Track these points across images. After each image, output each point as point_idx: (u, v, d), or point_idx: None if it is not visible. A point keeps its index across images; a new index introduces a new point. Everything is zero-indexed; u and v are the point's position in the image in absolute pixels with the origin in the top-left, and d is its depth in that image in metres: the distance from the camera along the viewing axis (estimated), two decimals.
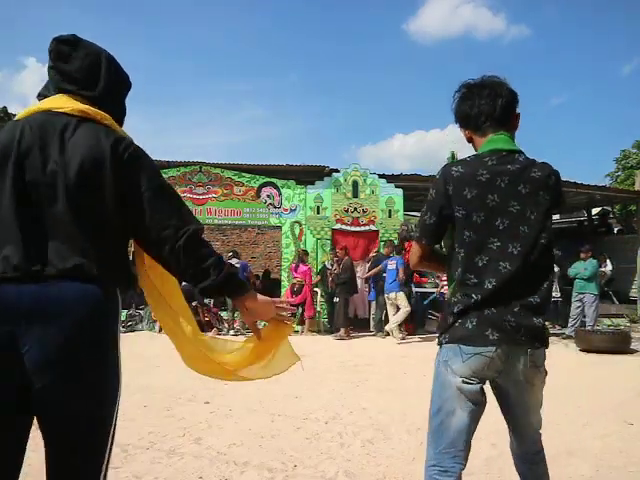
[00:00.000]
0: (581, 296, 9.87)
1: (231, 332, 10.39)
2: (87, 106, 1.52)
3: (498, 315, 1.72)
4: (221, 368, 1.81)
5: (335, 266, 10.37)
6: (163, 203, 1.51)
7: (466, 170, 1.78)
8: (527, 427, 2.02)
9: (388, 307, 9.91)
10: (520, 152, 1.84)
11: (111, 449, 1.49)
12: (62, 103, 1.51)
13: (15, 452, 1.41)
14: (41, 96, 1.59)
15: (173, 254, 1.48)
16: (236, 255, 11.42)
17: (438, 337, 1.90)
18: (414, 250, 1.95)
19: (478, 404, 1.79)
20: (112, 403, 1.51)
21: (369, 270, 11.03)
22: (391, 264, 9.82)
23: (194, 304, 10.28)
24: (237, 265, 10.86)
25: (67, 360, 1.37)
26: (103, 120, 1.53)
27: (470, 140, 1.96)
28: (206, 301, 10.70)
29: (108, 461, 1.48)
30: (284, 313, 1.90)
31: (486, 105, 1.85)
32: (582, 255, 10.00)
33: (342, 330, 9.97)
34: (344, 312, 10.12)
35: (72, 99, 1.53)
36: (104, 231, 1.48)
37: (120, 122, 1.66)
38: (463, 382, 1.75)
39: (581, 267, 9.91)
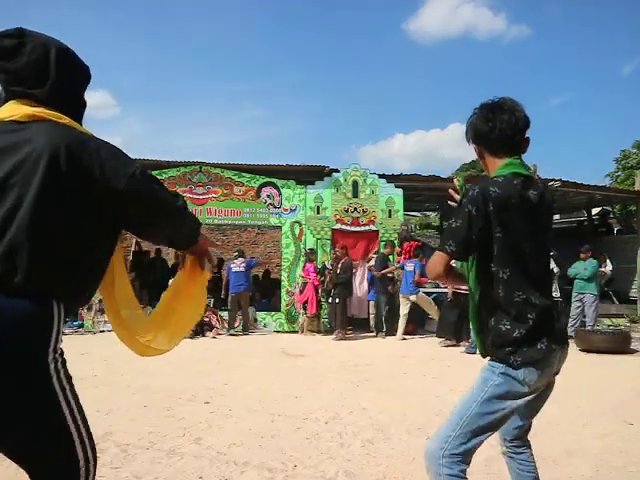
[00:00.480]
0: (581, 296, 9.87)
1: (231, 331, 10.40)
2: (38, 109, 1.44)
3: (557, 327, 1.92)
4: (139, 344, 1.81)
5: (335, 265, 10.35)
6: (148, 198, 1.50)
7: (502, 192, 1.84)
8: (532, 418, 2.17)
9: (401, 307, 9.90)
10: (533, 178, 1.98)
11: (90, 465, 1.44)
12: (11, 111, 1.44)
13: None
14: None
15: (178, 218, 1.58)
16: (242, 255, 11.45)
17: (503, 357, 1.88)
18: (438, 260, 1.90)
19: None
20: (59, 431, 1.38)
21: (369, 269, 11.04)
22: (409, 266, 9.92)
23: None
24: (242, 264, 10.94)
25: None
26: (58, 120, 1.45)
27: (481, 157, 2.06)
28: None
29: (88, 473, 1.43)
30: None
31: (506, 130, 1.93)
32: (582, 255, 10.00)
33: (339, 331, 9.93)
34: (342, 313, 10.10)
35: (20, 104, 1.45)
36: (59, 238, 1.38)
37: (79, 117, 1.57)
38: (531, 396, 1.89)
39: (581, 267, 9.91)
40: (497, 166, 1.97)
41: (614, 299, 13.28)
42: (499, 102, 1.97)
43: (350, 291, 10.42)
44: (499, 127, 1.93)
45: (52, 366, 1.36)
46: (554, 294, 10.39)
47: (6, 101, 1.49)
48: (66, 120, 1.47)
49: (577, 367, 7.26)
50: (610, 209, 16.83)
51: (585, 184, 12.51)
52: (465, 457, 1.87)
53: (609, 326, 10.53)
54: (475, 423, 1.86)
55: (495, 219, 1.82)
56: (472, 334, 7.94)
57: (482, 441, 1.90)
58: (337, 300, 10.09)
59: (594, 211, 16.71)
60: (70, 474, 1.39)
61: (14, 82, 1.47)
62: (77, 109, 1.59)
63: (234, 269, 10.91)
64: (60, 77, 1.49)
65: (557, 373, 2.01)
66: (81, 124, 1.58)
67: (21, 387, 1.30)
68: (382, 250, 11.14)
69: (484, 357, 2.02)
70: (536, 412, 2.12)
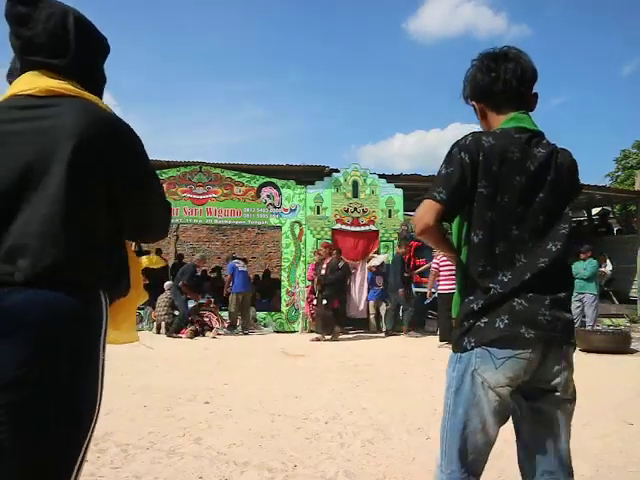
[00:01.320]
0: (581, 296, 9.88)
1: (235, 331, 10.40)
2: (55, 82, 1.33)
3: (531, 310, 1.53)
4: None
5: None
6: (146, 199, 1.45)
7: (497, 143, 1.59)
8: (557, 442, 1.63)
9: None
10: (544, 135, 1.69)
11: (80, 467, 1.33)
12: (27, 84, 1.32)
13: None
14: (10, 73, 1.44)
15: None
16: (231, 259, 11.54)
17: (456, 341, 1.64)
18: (427, 209, 1.59)
19: (508, 414, 1.64)
20: (77, 440, 1.29)
21: (369, 269, 11.04)
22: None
23: (194, 305, 10.31)
24: (244, 265, 10.97)
25: (26, 381, 1.19)
26: (75, 94, 1.34)
27: (483, 116, 1.78)
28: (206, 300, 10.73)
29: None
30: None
31: (511, 81, 1.67)
32: (582, 255, 10.01)
33: (331, 332, 9.77)
34: (335, 314, 9.94)
35: (37, 76, 1.33)
36: (90, 226, 1.31)
37: (97, 90, 1.46)
38: (497, 392, 1.55)
39: (581, 267, 9.92)
40: (498, 123, 1.71)
41: (614, 299, 13.29)
42: (503, 50, 1.71)
43: (339, 291, 10.07)
44: (503, 77, 1.67)
45: (102, 355, 1.34)
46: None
47: (22, 72, 1.37)
48: (88, 96, 1.37)
49: (577, 367, 7.21)
50: (610, 209, 16.84)
51: (585, 184, 12.50)
52: (469, 476, 1.58)
53: (609, 326, 10.53)
54: (454, 444, 1.59)
55: (483, 171, 1.57)
56: None
57: (480, 460, 1.61)
58: (324, 302, 9.77)
59: (594, 211, 16.73)
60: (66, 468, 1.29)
61: (31, 51, 1.35)
62: (98, 84, 1.49)
63: (240, 269, 10.86)
64: (80, 47, 1.39)
65: (569, 395, 1.66)
66: (102, 95, 1.49)
67: (79, 375, 1.27)
68: (393, 250, 11.19)
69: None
70: (549, 437, 1.63)
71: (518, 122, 1.66)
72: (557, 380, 1.61)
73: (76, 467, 1.28)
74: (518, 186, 1.57)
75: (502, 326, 1.52)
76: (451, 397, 1.62)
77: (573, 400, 1.68)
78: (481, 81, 1.71)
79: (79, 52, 1.39)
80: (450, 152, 1.63)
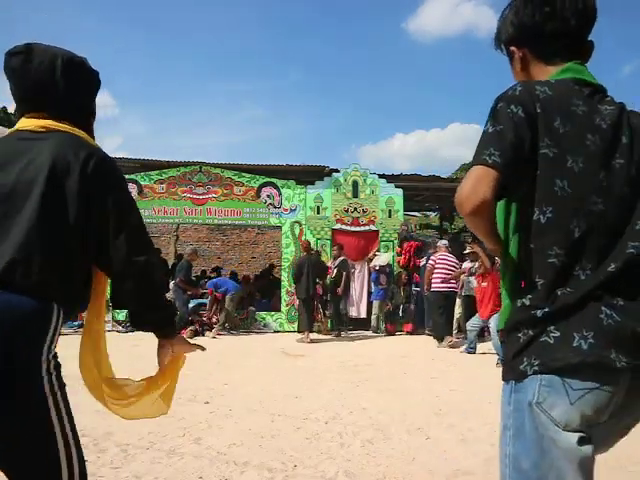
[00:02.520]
0: None
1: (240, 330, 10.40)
2: (48, 122, 1.49)
3: (625, 325, 1.09)
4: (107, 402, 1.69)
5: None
6: (125, 232, 1.46)
7: (556, 94, 1.22)
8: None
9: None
10: (607, 91, 1.32)
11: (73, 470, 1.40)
12: (26, 123, 1.50)
13: None
14: (16, 112, 1.57)
15: (131, 289, 1.48)
16: (217, 270, 11.67)
17: (508, 364, 1.22)
18: (478, 178, 1.16)
19: (591, 465, 1.15)
20: (43, 440, 1.34)
21: (373, 269, 11.04)
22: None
23: (194, 305, 10.30)
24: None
25: None
26: (65, 130, 1.49)
27: (524, 65, 1.39)
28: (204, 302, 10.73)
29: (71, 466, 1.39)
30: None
31: (571, 22, 1.30)
32: None
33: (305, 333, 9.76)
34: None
35: (34, 118, 1.50)
36: (60, 244, 1.41)
37: (86, 125, 1.60)
38: (574, 436, 1.11)
39: None
40: (550, 75, 1.32)
41: None
42: None
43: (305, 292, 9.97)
44: (560, 14, 1.29)
45: (44, 366, 1.34)
46: None
47: (21, 116, 1.54)
48: (77, 132, 1.51)
49: None
50: None
51: None
52: None
53: None
54: None
55: (544, 127, 1.18)
56: (469, 333, 7.93)
57: None
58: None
59: None
60: None
61: (25, 98, 1.52)
62: (85, 118, 1.61)
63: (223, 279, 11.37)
64: (68, 88, 1.52)
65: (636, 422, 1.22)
66: (92, 131, 1.62)
67: (7, 384, 1.28)
68: (393, 250, 11.18)
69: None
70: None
71: (576, 73, 1.29)
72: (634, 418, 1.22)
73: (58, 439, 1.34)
74: (592, 147, 1.19)
75: (585, 347, 1.08)
76: (510, 443, 1.18)
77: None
78: (529, 18, 1.33)
79: (68, 95, 1.53)
80: (495, 107, 1.24)
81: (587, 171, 1.17)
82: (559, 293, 1.13)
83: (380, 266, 10.91)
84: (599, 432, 1.15)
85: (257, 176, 11.51)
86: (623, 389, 1.11)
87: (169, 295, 10.32)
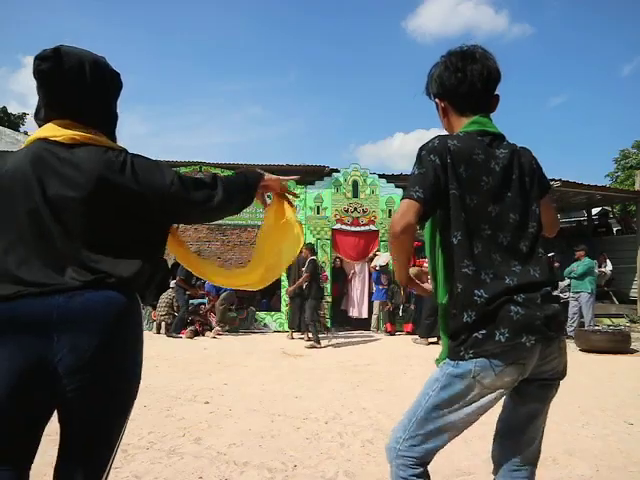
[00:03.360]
0: (576, 295, 9.92)
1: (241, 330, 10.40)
2: (78, 131, 1.53)
3: (528, 315, 1.54)
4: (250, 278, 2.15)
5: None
6: (186, 189, 1.63)
7: (463, 145, 1.62)
8: (534, 433, 1.79)
9: None
10: (504, 137, 1.75)
11: (118, 448, 1.58)
12: (55, 131, 1.52)
13: (36, 443, 1.51)
14: (36, 116, 1.60)
15: (215, 213, 1.74)
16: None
17: (452, 350, 1.63)
18: (406, 208, 1.57)
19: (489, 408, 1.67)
20: (127, 408, 1.59)
21: (373, 269, 11.03)
22: None
23: (194, 305, 10.30)
24: None
25: (97, 364, 1.44)
26: (95, 142, 1.55)
27: (445, 114, 1.81)
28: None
29: (113, 459, 1.56)
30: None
31: (477, 83, 1.70)
32: (576, 255, 10.08)
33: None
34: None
35: (63, 125, 1.53)
36: (121, 242, 1.54)
37: (111, 129, 1.66)
38: (494, 395, 1.60)
39: (574, 266, 9.98)
40: (462, 125, 1.74)
41: (614, 299, 13.28)
42: (470, 50, 1.73)
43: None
44: (470, 79, 1.70)
45: (141, 338, 1.60)
46: (564, 295, 10.44)
47: (47, 120, 1.56)
48: (104, 141, 1.57)
49: (577, 367, 7.25)
50: (610, 209, 16.84)
51: (585, 184, 12.50)
52: (419, 459, 1.66)
53: (609, 326, 10.54)
54: (423, 428, 1.65)
55: (452, 173, 1.59)
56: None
57: (439, 445, 1.67)
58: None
59: (594, 211, 16.71)
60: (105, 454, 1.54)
61: (55, 103, 1.54)
62: (111, 122, 1.67)
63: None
64: (94, 93, 1.57)
65: (560, 375, 1.72)
66: (114, 135, 1.67)
67: (125, 357, 1.54)
68: (381, 250, 11.15)
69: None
70: (532, 428, 1.78)
71: (480, 126, 1.70)
72: (554, 368, 1.68)
73: (124, 428, 1.59)
74: (486, 187, 1.62)
75: (503, 340, 1.53)
76: (435, 390, 1.64)
77: (561, 378, 1.74)
78: (447, 80, 1.73)
79: (96, 100, 1.58)
80: (419, 155, 1.64)
81: (480, 206, 1.61)
82: (476, 299, 1.55)
83: (381, 266, 10.92)
84: (527, 387, 1.66)
85: None
86: (535, 357, 1.58)
87: (169, 294, 10.32)
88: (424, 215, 1.59)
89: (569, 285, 10.46)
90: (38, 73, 1.51)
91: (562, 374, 1.73)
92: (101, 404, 1.48)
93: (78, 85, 1.53)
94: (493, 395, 1.59)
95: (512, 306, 1.54)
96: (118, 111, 1.70)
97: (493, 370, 1.55)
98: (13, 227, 1.48)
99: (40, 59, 1.50)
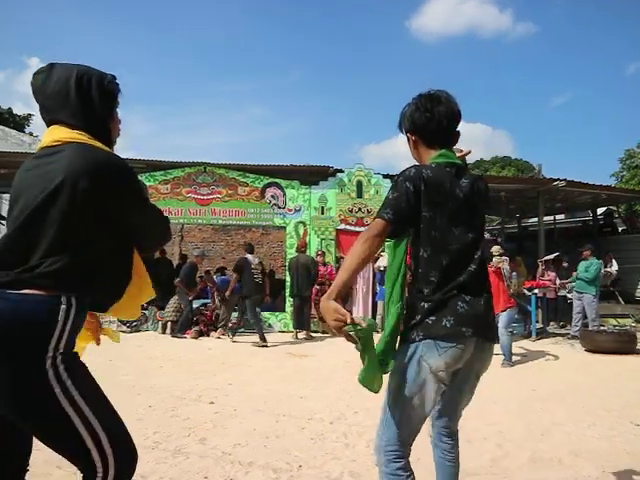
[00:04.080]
0: (580, 295, 9.86)
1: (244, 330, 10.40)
2: (62, 134, 1.63)
3: (469, 311, 1.87)
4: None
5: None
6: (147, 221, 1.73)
7: (434, 175, 1.91)
8: (461, 409, 2.17)
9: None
10: (466, 167, 2.10)
11: (103, 444, 1.57)
12: (46, 137, 1.66)
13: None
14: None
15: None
16: (221, 270, 11.71)
17: (405, 334, 1.93)
18: (375, 225, 1.87)
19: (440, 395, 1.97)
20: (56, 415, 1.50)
21: (378, 269, 11.03)
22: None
23: (197, 306, 10.30)
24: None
25: None
26: (76, 141, 1.62)
27: (415, 147, 2.10)
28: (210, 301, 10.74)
29: (89, 426, 1.53)
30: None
31: (443, 123, 2.01)
32: (583, 254, 10.01)
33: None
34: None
35: (51, 131, 1.65)
36: (70, 244, 1.54)
37: (103, 134, 1.72)
38: (439, 374, 1.87)
39: (583, 267, 9.89)
40: (430, 156, 2.03)
41: (620, 299, 13.22)
42: (437, 94, 2.04)
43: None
44: (437, 118, 2.00)
45: (49, 361, 1.47)
46: (570, 294, 10.41)
47: (47, 126, 1.70)
48: (91, 142, 1.64)
49: (583, 367, 7.23)
50: (615, 209, 16.77)
51: (590, 184, 12.45)
52: (399, 452, 1.93)
53: (615, 326, 10.49)
54: (395, 416, 1.93)
55: (425, 198, 1.87)
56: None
57: (413, 432, 1.96)
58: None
59: (599, 211, 16.66)
60: (85, 459, 1.53)
61: (47, 111, 1.69)
62: (102, 127, 1.73)
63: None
64: (80, 100, 1.66)
65: (478, 373, 2.04)
66: (109, 140, 1.76)
67: (18, 378, 1.45)
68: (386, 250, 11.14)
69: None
70: (457, 405, 2.13)
71: (447, 158, 2.00)
72: (481, 369, 2.03)
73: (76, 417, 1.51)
74: (450, 211, 1.91)
75: (448, 325, 1.84)
76: (395, 377, 1.93)
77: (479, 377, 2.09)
78: (418, 119, 2.03)
79: (82, 106, 1.66)
80: (397, 181, 1.93)
81: (447, 226, 1.91)
82: (436, 296, 1.87)
83: (384, 267, 10.90)
84: (460, 377, 1.98)
85: (261, 176, 11.52)
86: (471, 347, 1.88)
87: (175, 299, 10.33)
88: (391, 233, 1.89)
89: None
90: (33, 85, 1.69)
91: (480, 376, 2.07)
92: (20, 418, 1.49)
93: (63, 95, 1.65)
94: (439, 379, 1.87)
95: (459, 302, 1.87)
96: (117, 117, 1.80)
97: (437, 351, 1.84)
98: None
99: (36, 73, 1.69)
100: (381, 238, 1.86)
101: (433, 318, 1.85)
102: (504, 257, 8.70)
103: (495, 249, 9.30)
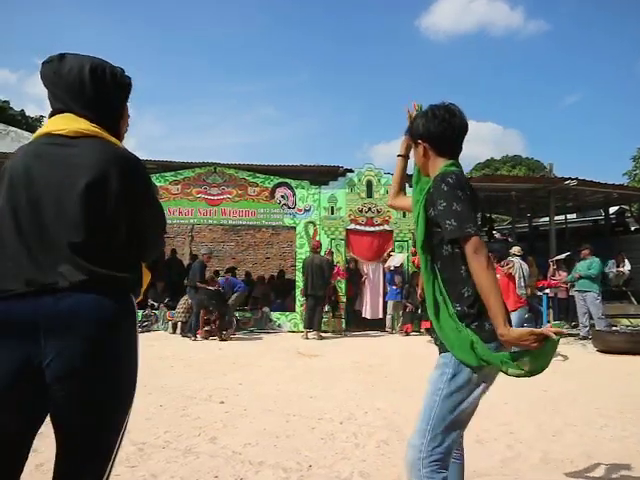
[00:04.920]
0: (583, 295, 9.77)
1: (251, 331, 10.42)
2: (82, 125, 1.58)
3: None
4: None
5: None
6: (153, 227, 1.71)
7: (465, 180, 1.98)
8: None
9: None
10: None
11: (117, 453, 1.56)
12: (59, 125, 1.59)
13: (25, 450, 1.49)
14: (51, 113, 1.68)
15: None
16: (231, 270, 12.00)
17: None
18: (479, 244, 1.84)
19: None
20: (124, 411, 1.57)
21: (388, 269, 11.02)
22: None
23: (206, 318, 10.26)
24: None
25: (85, 372, 1.42)
26: (98, 135, 1.59)
27: (425, 154, 2.11)
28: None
29: (112, 465, 1.54)
30: None
31: (457, 134, 2.08)
32: (582, 254, 9.94)
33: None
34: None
35: (67, 119, 1.60)
36: (112, 242, 1.54)
37: (114, 128, 1.70)
38: (488, 381, 1.88)
39: (585, 266, 9.81)
40: (439, 165, 2.05)
41: (632, 299, 13.09)
42: (451, 107, 2.08)
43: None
44: (451, 132, 2.05)
45: (135, 341, 1.59)
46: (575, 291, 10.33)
47: (52, 114, 1.66)
48: (109, 138, 1.62)
49: (595, 368, 7.18)
50: (627, 208, 16.61)
51: (602, 183, 12.35)
52: (443, 462, 1.85)
53: (627, 326, 10.39)
54: (442, 424, 1.86)
55: (471, 202, 1.91)
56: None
57: (456, 439, 1.91)
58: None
59: (611, 210, 16.50)
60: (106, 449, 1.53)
61: (58, 100, 1.64)
62: (115, 121, 1.72)
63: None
64: (93, 92, 1.63)
65: None
66: (119, 134, 1.74)
67: (115, 362, 1.51)
68: (407, 251, 11.13)
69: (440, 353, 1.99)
70: None
71: (459, 167, 2.05)
72: None
73: (120, 437, 1.55)
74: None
75: (487, 327, 1.84)
76: (445, 382, 1.87)
77: None
78: (434, 127, 2.05)
79: (96, 98, 1.64)
80: (452, 190, 1.91)
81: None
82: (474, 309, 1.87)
83: (395, 267, 10.89)
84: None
85: (271, 176, 11.54)
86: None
87: (185, 299, 10.35)
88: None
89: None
90: (42, 75, 1.65)
91: None
92: (90, 415, 1.45)
93: (77, 86, 1.62)
94: (481, 387, 1.86)
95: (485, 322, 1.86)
96: (127, 112, 1.79)
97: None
98: (9, 221, 1.49)
99: (45, 63, 1.65)
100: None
101: (476, 323, 1.85)
102: (515, 259, 8.65)
103: (517, 249, 9.25)
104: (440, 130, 2.05)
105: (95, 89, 1.63)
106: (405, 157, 2.52)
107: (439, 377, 1.90)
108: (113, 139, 1.64)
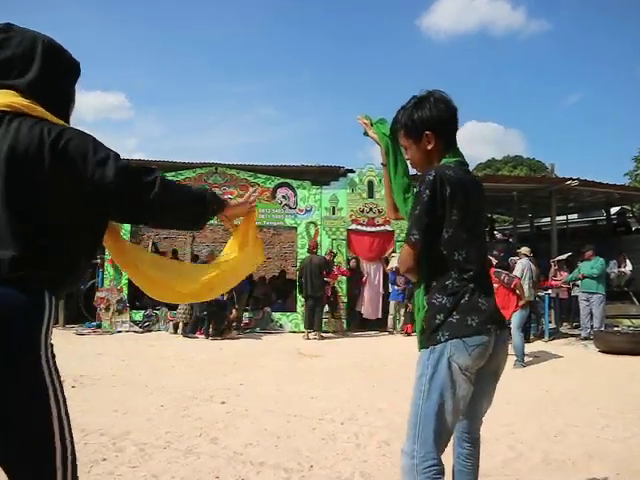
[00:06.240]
0: (588, 295, 9.74)
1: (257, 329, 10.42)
2: (15, 99, 1.45)
3: (489, 308, 1.88)
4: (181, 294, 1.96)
5: None
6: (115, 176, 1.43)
7: (456, 176, 1.89)
8: (482, 412, 2.09)
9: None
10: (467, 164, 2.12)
11: (71, 461, 1.40)
12: None
13: None
14: None
15: (160, 215, 1.59)
16: None
17: (429, 335, 1.90)
18: (409, 252, 1.91)
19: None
20: (42, 424, 1.35)
21: (390, 270, 11.02)
22: None
23: (205, 313, 10.29)
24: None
25: None
26: (32, 112, 1.45)
27: (430, 144, 2.01)
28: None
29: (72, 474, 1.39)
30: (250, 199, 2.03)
31: (457, 123, 2.05)
32: (585, 255, 9.91)
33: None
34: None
35: (4, 94, 1.46)
36: (42, 231, 1.40)
37: (62, 111, 1.57)
38: (470, 376, 1.84)
39: (589, 267, 9.78)
40: (441, 157, 2.02)
41: (634, 299, 13.06)
42: (447, 96, 2.04)
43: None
44: (454, 120, 2.03)
45: (44, 357, 1.35)
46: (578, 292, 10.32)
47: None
48: (38, 111, 1.46)
49: (596, 368, 7.17)
50: (629, 208, 16.59)
51: (603, 183, 12.34)
52: (439, 466, 1.81)
53: (629, 327, 10.37)
54: (429, 426, 1.82)
55: (452, 201, 1.85)
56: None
57: (448, 440, 1.89)
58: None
59: (612, 210, 16.47)
60: (45, 474, 1.35)
61: (2, 72, 1.50)
62: (62, 103, 1.60)
63: None
64: (44, 70, 1.52)
65: (497, 371, 2.00)
66: (68, 117, 1.61)
67: (11, 377, 1.30)
68: (397, 250, 11.11)
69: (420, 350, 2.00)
70: (478, 407, 2.04)
71: (460, 157, 2.03)
72: (497, 365, 1.98)
73: (59, 438, 1.35)
74: (472, 208, 1.93)
75: (474, 324, 1.83)
76: (426, 383, 1.87)
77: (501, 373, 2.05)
78: (443, 116, 1.99)
79: (42, 74, 1.51)
80: (418, 191, 1.93)
81: (473, 224, 1.95)
82: (465, 296, 1.86)
83: (397, 267, 10.87)
84: (481, 376, 1.90)
85: (272, 177, 11.55)
86: (493, 343, 1.86)
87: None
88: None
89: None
90: None
91: (501, 372, 2.04)
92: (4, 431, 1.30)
93: (25, 59, 1.51)
94: (464, 385, 1.83)
95: (479, 299, 1.87)
96: (75, 97, 1.67)
97: (467, 350, 1.81)
98: None
99: None
100: (417, 261, 1.94)
101: (457, 317, 1.83)
102: (523, 260, 8.62)
103: (526, 250, 9.23)
104: (447, 117, 2.00)
105: (44, 66, 1.53)
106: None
107: (419, 379, 1.90)
108: (53, 117, 1.50)
